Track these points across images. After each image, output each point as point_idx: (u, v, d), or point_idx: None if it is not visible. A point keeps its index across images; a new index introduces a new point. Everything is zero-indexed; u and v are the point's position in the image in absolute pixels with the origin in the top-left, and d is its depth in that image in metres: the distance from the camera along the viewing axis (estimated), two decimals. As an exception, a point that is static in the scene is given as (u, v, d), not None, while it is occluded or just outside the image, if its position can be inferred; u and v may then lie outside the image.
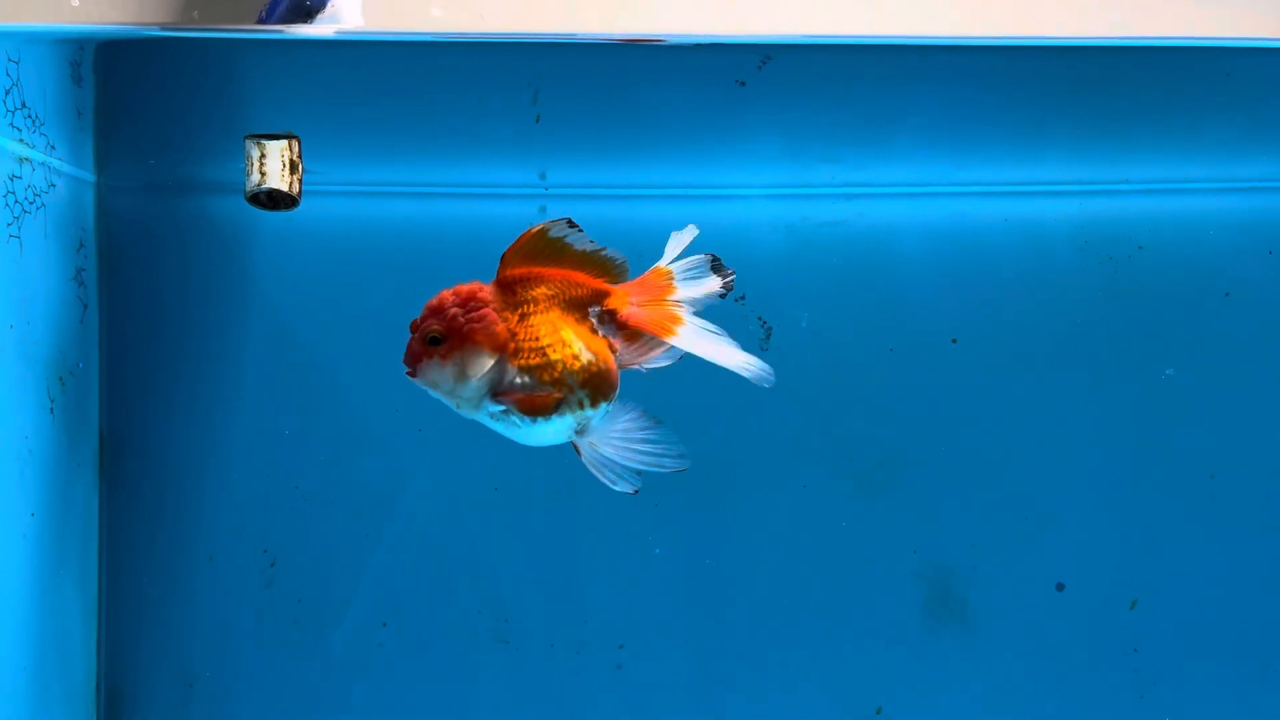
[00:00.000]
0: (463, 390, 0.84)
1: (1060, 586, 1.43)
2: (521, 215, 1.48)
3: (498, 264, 0.88)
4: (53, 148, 1.23)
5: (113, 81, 1.27)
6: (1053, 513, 1.43)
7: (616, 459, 0.90)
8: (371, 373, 1.48)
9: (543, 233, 0.88)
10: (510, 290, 0.85)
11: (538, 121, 1.36)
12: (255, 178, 1.26)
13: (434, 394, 0.88)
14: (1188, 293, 1.44)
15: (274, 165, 1.27)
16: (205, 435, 1.44)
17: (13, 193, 1.14)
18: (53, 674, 1.26)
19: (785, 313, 1.44)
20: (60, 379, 1.26)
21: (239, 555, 1.43)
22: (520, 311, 0.85)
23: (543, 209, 1.47)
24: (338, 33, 1.06)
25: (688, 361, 0.97)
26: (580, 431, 0.88)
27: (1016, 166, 1.42)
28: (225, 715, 1.42)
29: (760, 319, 1.45)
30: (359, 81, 1.29)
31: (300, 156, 1.28)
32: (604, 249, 0.92)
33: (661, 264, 0.94)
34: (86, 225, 1.35)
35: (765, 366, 0.91)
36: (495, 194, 1.47)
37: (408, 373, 0.87)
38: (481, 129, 1.40)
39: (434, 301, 0.85)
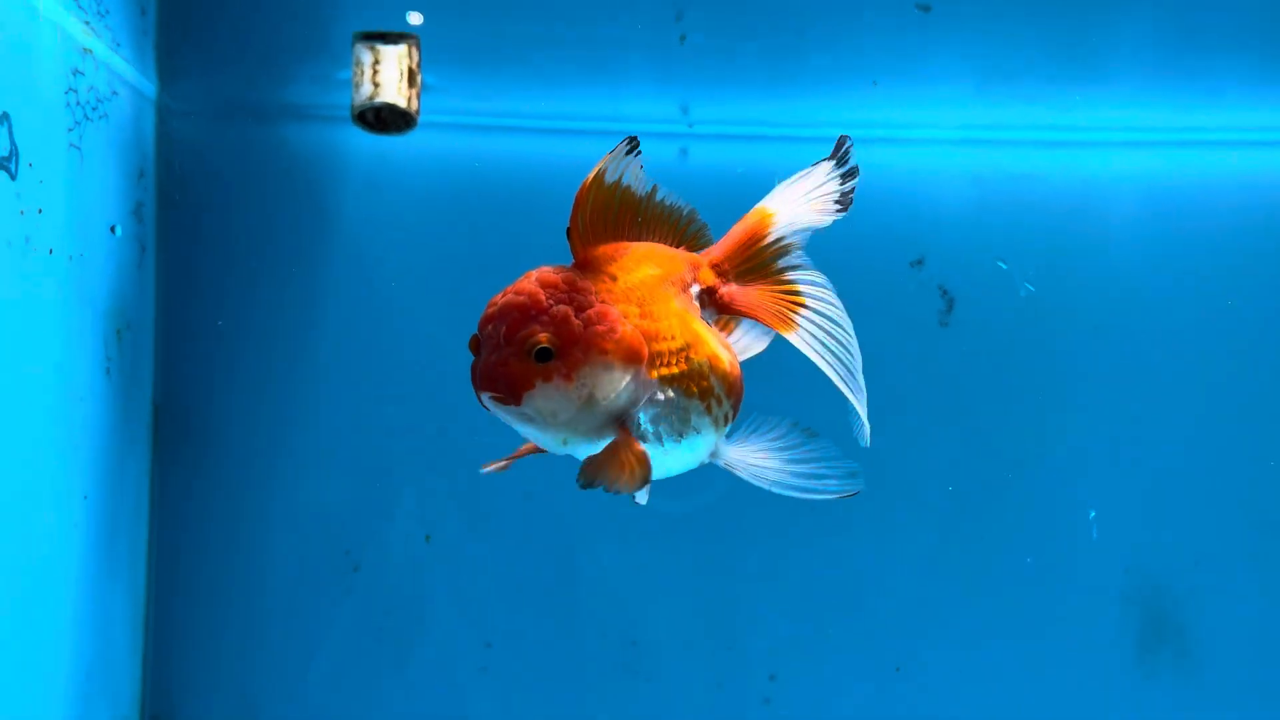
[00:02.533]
0: (584, 420, 0.59)
1: (1295, 611, 1.22)
2: (659, 159, 1.26)
3: (568, 241, 0.63)
4: (118, 44, 0.99)
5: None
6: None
7: (765, 481, 0.66)
8: (468, 337, 1.25)
9: (603, 181, 0.61)
10: (605, 274, 0.60)
11: (682, 42, 1.14)
12: (367, 89, 1.03)
13: (526, 427, 0.61)
14: None
15: (389, 74, 1.03)
16: (275, 411, 1.20)
17: (74, 90, 0.90)
18: (99, 702, 1.02)
19: (972, 281, 1.23)
20: (118, 332, 1.02)
21: (314, 557, 1.20)
22: (636, 302, 0.60)
23: (684, 151, 1.25)
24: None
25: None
26: (714, 455, 0.65)
27: (1254, 109, 1.20)
28: (293, 750, 1.19)
29: (941, 288, 1.23)
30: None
31: (420, 66, 1.05)
32: (670, 199, 0.65)
33: (766, 203, 0.67)
34: (147, 151, 1.11)
35: (865, 424, 0.65)
36: (630, 130, 1.24)
37: (495, 398, 0.59)
38: (616, 51, 1.17)
39: (519, 298, 0.58)
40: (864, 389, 0.65)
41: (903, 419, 1.24)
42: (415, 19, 0.98)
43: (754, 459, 0.66)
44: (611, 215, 0.62)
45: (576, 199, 0.61)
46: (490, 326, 0.58)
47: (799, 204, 0.67)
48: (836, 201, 0.67)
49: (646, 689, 1.22)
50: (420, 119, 1.11)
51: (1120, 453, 1.24)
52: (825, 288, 0.67)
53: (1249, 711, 1.21)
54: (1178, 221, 1.23)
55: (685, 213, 0.66)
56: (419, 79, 1.05)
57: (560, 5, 1.10)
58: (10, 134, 0.80)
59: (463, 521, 1.21)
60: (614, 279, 0.60)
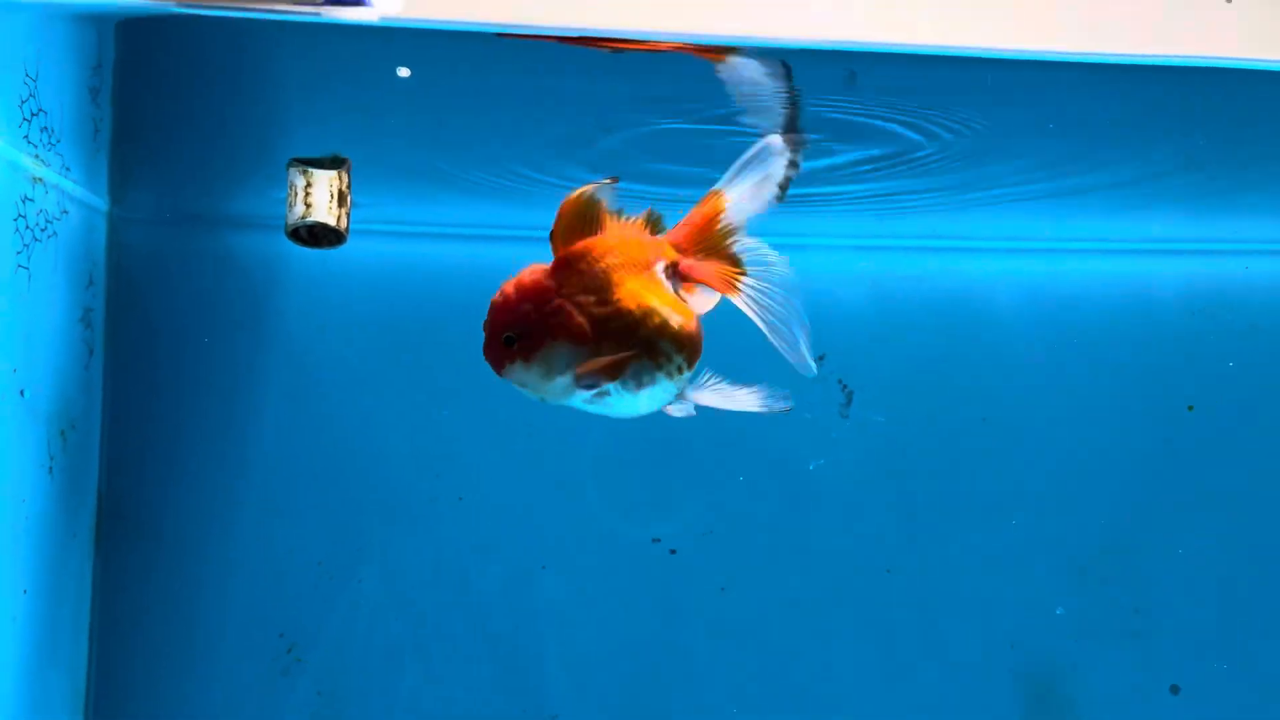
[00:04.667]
0: (551, 387, 0.78)
1: (1175, 689, 1.30)
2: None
3: (550, 244, 0.80)
4: (68, 169, 1.08)
5: (132, 99, 1.13)
6: (1164, 607, 1.30)
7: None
8: (407, 436, 1.32)
9: (581, 198, 0.80)
10: (574, 269, 0.78)
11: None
12: (299, 209, 1.11)
13: (520, 389, 0.81)
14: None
15: (321, 196, 1.12)
16: (215, 503, 1.26)
17: (24, 216, 0.99)
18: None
19: (868, 374, 1.32)
20: (62, 432, 1.09)
21: (251, 641, 1.25)
22: (595, 290, 0.78)
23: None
24: (381, 19, 0.92)
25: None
26: (683, 397, 0.83)
27: (1125, 221, 1.31)
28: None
29: (840, 381, 1.32)
30: (406, 107, 1.16)
31: (350, 187, 1.14)
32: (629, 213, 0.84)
33: (721, 190, 0.84)
34: (97, 259, 1.19)
35: (810, 359, 0.83)
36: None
37: (496, 371, 0.80)
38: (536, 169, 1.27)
39: (499, 298, 0.78)
40: (807, 334, 0.82)
41: (809, 502, 1.33)
42: (404, 73, 1.06)
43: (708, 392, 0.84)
44: (587, 221, 0.80)
45: (559, 209, 0.80)
46: (485, 320, 0.79)
47: (746, 193, 0.83)
48: (777, 191, 0.84)
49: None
50: (358, 226, 1.20)
51: (1009, 534, 1.33)
52: (765, 257, 0.83)
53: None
54: (1053, 315, 1.34)
55: (654, 216, 0.83)
56: (349, 199, 1.13)
57: (478, 136, 1.19)
58: (-40, 262, 0.88)
59: (391, 608, 1.28)
60: (580, 273, 0.78)
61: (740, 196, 0.83)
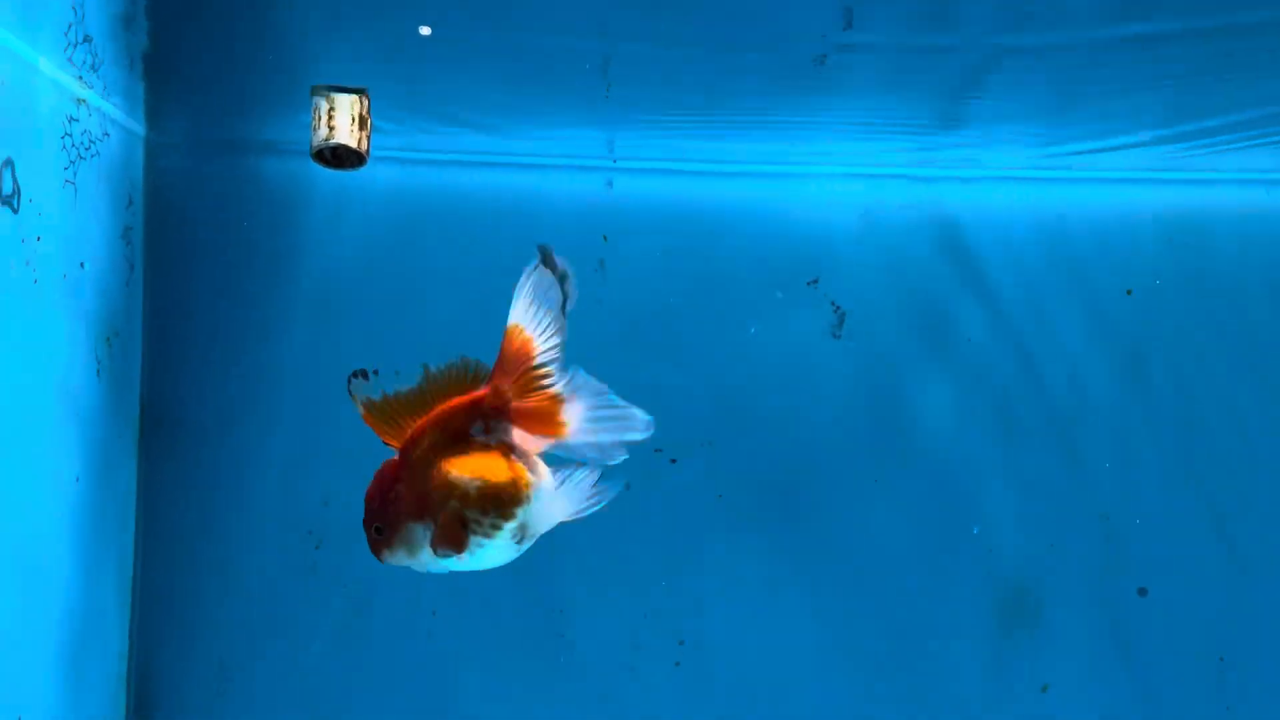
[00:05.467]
0: (419, 562, 0.84)
1: (1142, 591, 1.38)
2: (587, 189, 1.42)
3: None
4: (109, 93, 1.16)
5: (167, 27, 1.20)
6: (1128, 512, 1.39)
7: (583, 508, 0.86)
8: (424, 345, 1.41)
9: (370, 405, 0.83)
10: (408, 455, 0.83)
11: (607, 92, 1.30)
12: (323, 132, 1.19)
13: None
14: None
15: (343, 120, 1.20)
16: (247, 410, 1.37)
17: (69, 135, 1.07)
18: (90, 658, 1.19)
19: (859, 297, 1.40)
20: (107, 339, 1.18)
21: (281, 538, 1.36)
22: (422, 469, 0.83)
23: (609, 183, 1.42)
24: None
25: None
26: (525, 530, 0.84)
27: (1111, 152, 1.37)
28: (260, 710, 1.35)
29: (833, 303, 1.40)
30: (426, 42, 1.23)
31: (369, 113, 1.22)
32: (435, 370, 0.85)
33: (512, 318, 0.84)
34: (136, 181, 1.28)
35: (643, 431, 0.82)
36: (562, 165, 1.41)
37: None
38: (546, 101, 1.34)
39: (366, 495, 0.84)
40: (644, 427, 0.81)
41: (800, 424, 1.41)
42: (425, 31, 1.12)
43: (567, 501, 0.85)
44: (399, 415, 0.83)
45: (366, 421, 0.84)
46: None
47: (533, 320, 0.83)
48: (559, 315, 0.83)
49: (569, 656, 1.39)
50: (380, 153, 1.28)
51: (994, 452, 1.41)
52: (579, 385, 0.81)
53: (1091, 674, 1.37)
54: (1049, 246, 1.41)
55: (468, 368, 0.84)
56: (369, 123, 1.21)
57: (491, 68, 1.26)
58: (14, 175, 0.97)
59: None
60: (410, 459, 0.82)
61: (534, 328, 0.84)
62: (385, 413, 0.84)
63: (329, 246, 1.37)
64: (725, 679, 1.38)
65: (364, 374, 0.85)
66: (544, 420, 0.83)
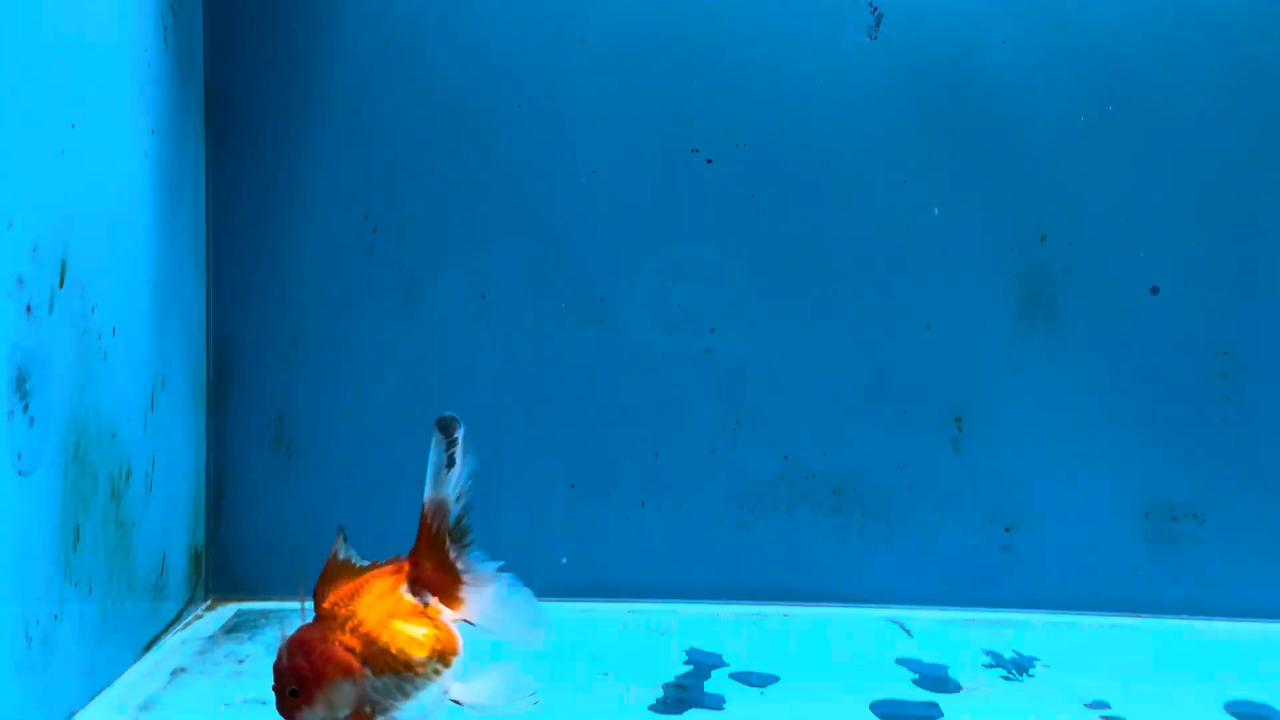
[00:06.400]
0: (340, 715, 0.90)
1: (1155, 290, 1.44)
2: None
3: (313, 603, 0.92)
4: None
5: None
6: (1150, 213, 1.44)
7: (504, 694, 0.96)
8: (474, 49, 1.46)
9: (334, 556, 0.93)
10: (333, 615, 0.91)
11: None
12: None
13: None
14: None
15: None
16: (307, 99, 1.43)
17: None
18: (172, 311, 1.31)
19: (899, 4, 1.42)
20: (171, 7, 1.25)
21: (341, 220, 1.46)
22: (350, 626, 0.91)
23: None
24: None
25: None
26: (449, 693, 0.94)
27: None
28: (325, 370, 1.47)
29: (871, 4, 1.42)
30: None
31: None
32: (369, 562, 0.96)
33: (425, 491, 0.97)
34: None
35: (540, 637, 0.96)
36: None
37: None
38: None
39: (277, 662, 0.90)
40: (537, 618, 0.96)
41: (834, 124, 1.46)
42: None
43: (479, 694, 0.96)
44: (344, 575, 0.93)
45: (323, 572, 0.93)
46: (273, 677, 0.92)
47: (434, 487, 0.97)
48: (446, 468, 0.97)
49: (609, 334, 1.49)
50: None
51: (1016, 149, 1.45)
52: (481, 572, 0.96)
53: (1102, 366, 1.46)
54: None
55: (394, 562, 0.97)
56: None
57: None
58: None
59: (460, 196, 1.46)
60: (336, 619, 0.91)
61: (434, 492, 0.96)
62: (337, 569, 0.93)
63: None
64: (753, 367, 1.48)
65: (343, 534, 0.94)
66: (448, 594, 0.96)
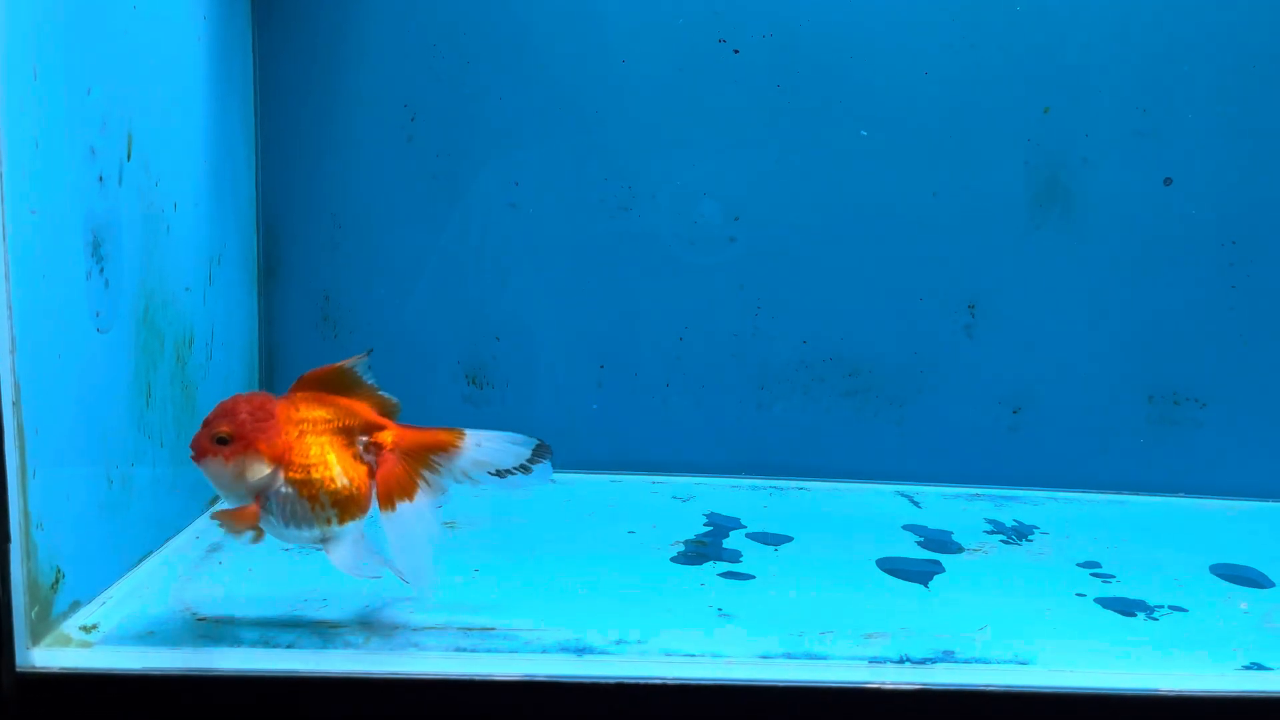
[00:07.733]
0: (235, 488, 0.93)
1: (1168, 181, 1.49)
2: None
3: (294, 381, 0.95)
4: None
5: None
6: (1166, 108, 1.47)
7: (354, 562, 0.98)
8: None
9: (340, 369, 0.97)
10: (295, 407, 0.94)
11: None
12: None
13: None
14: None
15: None
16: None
17: None
18: (225, 192, 1.38)
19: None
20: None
21: (382, 109, 1.51)
22: (299, 429, 0.94)
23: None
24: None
25: None
26: (325, 540, 0.97)
27: None
28: (368, 253, 1.55)
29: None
30: None
31: None
32: (381, 391, 1.00)
33: (466, 438, 0.99)
34: None
35: (432, 584, 1.00)
36: None
37: (192, 457, 0.94)
38: None
39: (228, 403, 0.92)
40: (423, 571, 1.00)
41: (860, 15, 1.50)
42: None
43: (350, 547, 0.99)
44: (335, 385, 0.97)
45: (322, 368, 0.97)
46: (210, 414, 0.95)
47: (478, 461, 0.99)
48: (495, 470, 1.00)
49: (638, 223, 1.56)
50: None
51: (1035, 51, 1.49)
52: (433, 499, 0.99)
53: (1113, 255, 1.51)
54: None
55: (393, 403, 1.00)
56: None
57: None
58: None
59: (497, 86, 1.52)
60: (297, 411, 0.94)
61: (478, 446, 0.99)
62: (333, 376, 0.97)
63: None
64: (775, 255, 1.54)
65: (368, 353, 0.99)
66: (392, 484, 0.97)
